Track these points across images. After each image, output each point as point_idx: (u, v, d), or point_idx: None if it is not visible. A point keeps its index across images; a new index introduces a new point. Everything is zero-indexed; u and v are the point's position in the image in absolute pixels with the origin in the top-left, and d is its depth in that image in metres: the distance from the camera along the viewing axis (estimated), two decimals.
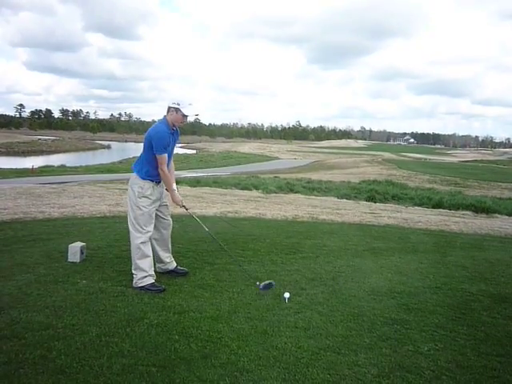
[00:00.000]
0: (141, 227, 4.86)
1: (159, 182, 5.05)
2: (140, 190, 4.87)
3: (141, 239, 4.84)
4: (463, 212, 18.11)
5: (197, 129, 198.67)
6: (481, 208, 20.29)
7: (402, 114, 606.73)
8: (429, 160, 79.91)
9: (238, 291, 4.91)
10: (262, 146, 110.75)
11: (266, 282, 5.00)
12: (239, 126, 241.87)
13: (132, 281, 4.86)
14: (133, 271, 4.88)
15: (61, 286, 4.77)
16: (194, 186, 20.87)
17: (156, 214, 5.09)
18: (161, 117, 5.01)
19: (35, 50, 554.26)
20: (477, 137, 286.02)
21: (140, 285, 4.78)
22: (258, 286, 4.93)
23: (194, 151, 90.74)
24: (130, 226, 4.91)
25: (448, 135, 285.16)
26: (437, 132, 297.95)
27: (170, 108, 4.88)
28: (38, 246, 6.37)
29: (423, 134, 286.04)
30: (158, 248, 5.25)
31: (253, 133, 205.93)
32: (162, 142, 4.85)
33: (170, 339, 3.69)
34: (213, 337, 3.77)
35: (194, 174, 31.55)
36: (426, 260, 6.84)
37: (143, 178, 4.91)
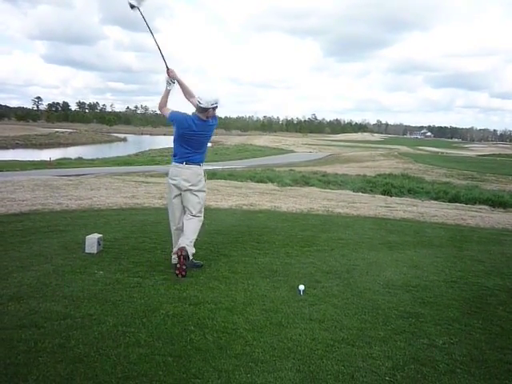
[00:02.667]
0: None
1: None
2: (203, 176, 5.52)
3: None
4: (480, 206, 17.94)
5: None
6: (498, 202, 20.09)
7: (418, 108, 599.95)
8: (446, 154, 79.05)
9: (253, 283, 4.94)
10: (278, 139, 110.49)
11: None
12: (254, 118, 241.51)
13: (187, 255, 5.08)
14: (191, 245, 5.20)
15: (78, 277, 4.84)
16: (210, 179, 20.87)
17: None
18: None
19: (53, 42, 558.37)
20: (495, 131, 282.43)
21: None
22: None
23: (210, 144, 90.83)
24: (199, 214, 5.41)
25: (466, 129, 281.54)
26: (454, 126, 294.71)
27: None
28: (55, 237, 6.46)
29: (440, 127, 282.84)
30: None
31: (268, 126, 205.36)
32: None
33: (185, 330, 3.73)
34: (228, 328, 3.80)
35: (210, 167, 31.55)
36: (442, 254, 6.80)
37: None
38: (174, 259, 5.18)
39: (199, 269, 5.35)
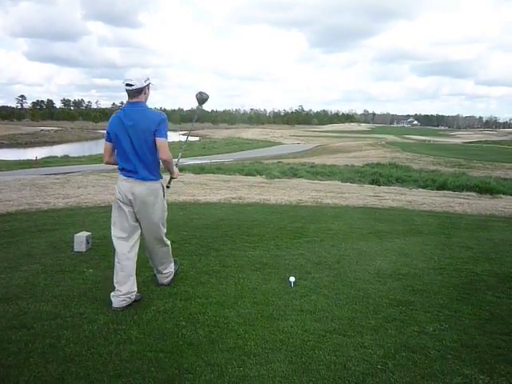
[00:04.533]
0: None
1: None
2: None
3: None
4: (467, 193, 18.07)
5: (199, 116, 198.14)
6: (485, 189, 20.21)
7: (405, 96, 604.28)
8: (433, 142, 79.51)
9: (243, 277, 4.94)
10: (265, 132, 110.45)
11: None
12: (242, 111, 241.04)
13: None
14: (168, 270, 4.61)
15: (68, 276, 4.81)
16: (198, 173, 20.88)
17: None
18: (153, 104, 4.34)
19: (36, 40, 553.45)
20: (481, 118, 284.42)
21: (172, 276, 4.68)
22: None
23: (197, 138, 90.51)
24: (160, 235, 4.36)
25: (452, 117, 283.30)
26: (441, 114, 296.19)
27: (145, 87, 4.04)
28: (43, 237, 6.41)
29: (427, 115, 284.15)
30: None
31: (255, 118, 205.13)
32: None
33: (177, 325, 3.73)
34: (219, 322, 3.80)
35: (198, 161, 31.49)
36: (431, 241, 6.85)
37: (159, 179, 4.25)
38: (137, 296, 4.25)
39: (189, 264, 5.33)
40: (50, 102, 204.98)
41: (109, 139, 4.11)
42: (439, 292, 4.66)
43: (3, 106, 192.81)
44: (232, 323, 3.78)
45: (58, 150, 54.73)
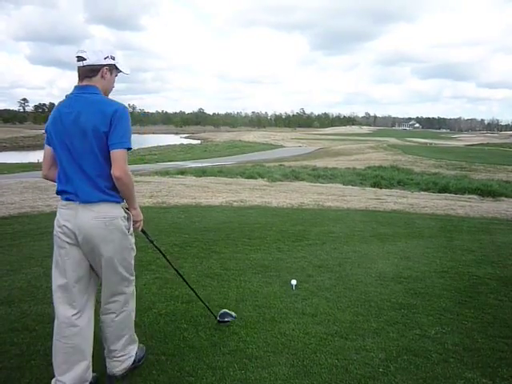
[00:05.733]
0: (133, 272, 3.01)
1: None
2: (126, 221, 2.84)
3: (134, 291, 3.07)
4: (469, 196, 18.06)
5: (200, 119, 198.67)
6: (487, 191, 20.20)
7: (406, 99, 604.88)
8: (434, 144, 79.40)
9: (245, 280, 4.94)
10: (267, 135, 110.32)
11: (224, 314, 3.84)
12: (243, 114, 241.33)
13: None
14: (125, 352, 3.00)
15: None
16: (200, 176, 20.87)
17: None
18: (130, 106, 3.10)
19: (38, 43, 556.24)
20: (482, 120, 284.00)
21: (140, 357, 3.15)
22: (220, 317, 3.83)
23: (199, 141, 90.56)
24: (119, 291, 2.91)
25: (453, 119, 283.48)
26: (442, 116, 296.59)
27: (103, 67, 2.74)
28: (45, 240, 6.41)
29: (428, 118, 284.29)
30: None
31: (257, 121, 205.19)
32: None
33: (178, 328, 3.73)
34: (221, 325, 3.80)
35: (199, 164, 31.50)
36: (433, 245, 6.84)
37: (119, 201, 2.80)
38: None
39: (191, 266, 5.32)
40: (52, 105, 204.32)
41: (47, 141, 2.80)
42: (441, 295, 4.65)
43: (5, 110, 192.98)
44: (233, 326, 3.77)
45: None
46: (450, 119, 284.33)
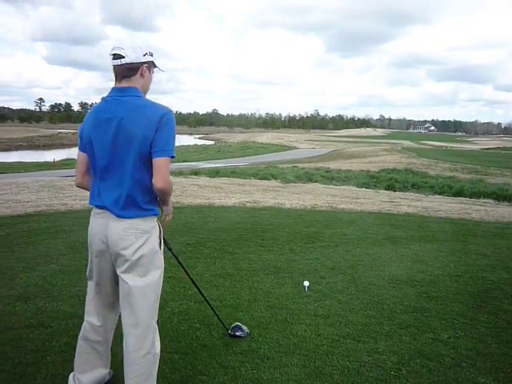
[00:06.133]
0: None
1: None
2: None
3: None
4: (485, 200, 17.90)
5: (214, 120, 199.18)
6: (503, 196, 20.04)
7: (422, 102, 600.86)
8: (449, 148, 78.75)
9: (257, 280, 4.96)
10: (280, 136, 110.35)
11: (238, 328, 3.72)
12: (257, 116, 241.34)
13: None
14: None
15: (84, 276, 4.81)
16: (213, 177, 20.96)
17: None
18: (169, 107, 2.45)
19: (55, 44, 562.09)
20: (499, 124, 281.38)
21: None
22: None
23: (212, 142, 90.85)
24: (145, 321, 2.54)
25: (470, 122, 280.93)
26: (458, 119, 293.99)
27: (143, 65, 2.46)
28: (61, 238, 6.49)
29: (444, 121, 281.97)
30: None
31: (270, 123, 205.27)
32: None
33: (191, 327, 3.76)
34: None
35: (213, 165, 31.63)
36: (447, 248, 6.80)
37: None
38: None
39: (204, 266, 5.35)
40: (68, 105, 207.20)
41: (82, 147, 2.58)
42: (455, 299, 4.62)
43: (22, 109, 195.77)
44: (246, 326, 3.79)
45: (75, 153, 54.79)
46: (466, 122, 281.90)
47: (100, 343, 2.68)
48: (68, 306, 4.06)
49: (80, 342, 2.70)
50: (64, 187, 12.68)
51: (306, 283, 4.74)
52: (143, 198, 2.44)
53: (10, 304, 4.05)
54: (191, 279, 3.40)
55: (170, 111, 2.42)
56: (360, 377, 3.09)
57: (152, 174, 2.38)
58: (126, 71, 2.41)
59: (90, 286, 2.71)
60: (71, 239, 6.39)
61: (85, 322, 2.69)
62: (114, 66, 2.41)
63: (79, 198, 10.26)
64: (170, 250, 3.07)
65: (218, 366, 3.16)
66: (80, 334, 2.71)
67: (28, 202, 9.56)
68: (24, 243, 6.13)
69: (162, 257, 2.61)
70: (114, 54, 2.40)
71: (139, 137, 2.33)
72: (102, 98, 2.48)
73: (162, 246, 2.60)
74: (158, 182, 2.36)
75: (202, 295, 3.59)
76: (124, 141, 2.35)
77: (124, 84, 2.43)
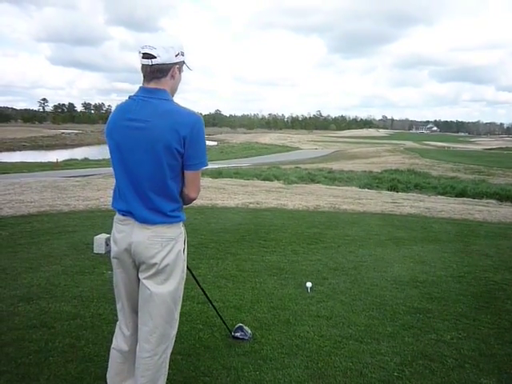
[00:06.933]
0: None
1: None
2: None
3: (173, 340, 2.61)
4: (487, 200, 17.85)
5: (217, 120, 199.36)
6: (506, 196, 20.00)
7: (424, 102, 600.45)
8: (452, 148, 78.64)
9: (260, 281, 4.96)
10: (283, 137, 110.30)
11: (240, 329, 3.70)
12: (260, 116, 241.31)
13: None
14: None
15: (87, 277, 4.88)
16: (216, 178, 20.95)
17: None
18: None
19: (58, 44, 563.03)
20: (502, 124, 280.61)
21: None
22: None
23: (215, 143, 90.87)
24: (165, 330, 2.47)
25: (472, 123, 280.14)
26: (460, 120, 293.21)
27: (174, 66, 2.31)
28: (64, 238, 6.50)
29: (446, 121, 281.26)
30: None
31: (273, 123, 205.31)
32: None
33: (194, 328, 3.76)
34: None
35: (216, 166, 31.62)
36: (449, 249, 6.79)
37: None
38: None
39: (207, 267, 5.35)
40: (71, 105, 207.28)
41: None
42: (457, 300, 4.62)
43: (26, 109, 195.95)
44: (248, 327, 3.79)
45: (78, 153, 55.25)
46: (469, 123, 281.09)
47: (131, 353, 2.56)
48: (71, 307, 4.07)
49: (113, 352, 2.61)
50: (67, 188, 12.70)
51: (309, 284, 4.73)
52: (170, 207, 2.35)
53: (12, 304, 4.06)
54: (196, 281, 3.39)
55: (200, 117, 2.30)
56: (363, 378, 3.09)
57: (177, 182, 2.34)
58: (157, 72, 2.26)
59: (116, 294, 2.61)
60: (74, 240, 6.40)
61: (117, 331, 2.63)
62: (144, 65, 2.26)
63: (82, 199, 10.29)
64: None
65: (221, 368, 3.16)
66: (112, 343, 2.63)
67: (31, 202, 9.58)
68: (27, 244, 6.14)
69: (185, 264, 2.55)
70: (144, 53, 2.23)
71: (165, 143, 2.20)
72: (129, 97, 2.35)
73: (186, 252, 2.54)
74: (192, 193, 2.38)
75: (207, 297, 3.60)
76: (148, 146, 2.23)
77: (152, 85, 2.28)
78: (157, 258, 2.33)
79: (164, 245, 2.34)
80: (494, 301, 4.65)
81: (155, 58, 2.21)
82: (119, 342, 2.59)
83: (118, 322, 2.64)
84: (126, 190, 2.34)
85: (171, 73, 2.30)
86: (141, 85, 2.33)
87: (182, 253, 2.45)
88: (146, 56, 2.22)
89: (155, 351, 2.44)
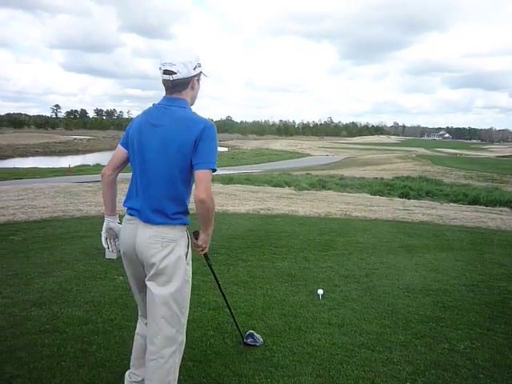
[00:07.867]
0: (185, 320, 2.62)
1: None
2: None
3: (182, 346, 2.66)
4: (501, 208, 17.67)
5: (228, 126, 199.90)
6: None
7: (436, 109, 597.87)
8: (464, 155, 78.09)
9: (271, 288, 4.95)
10: (294, 143, 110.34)
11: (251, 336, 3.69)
12: (271, 123, 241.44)
13: None
14: None
15: (99, 282, 4.90)
16: (227, 184, 20.98)
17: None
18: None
19: (71, 51, 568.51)
20: None
21: None
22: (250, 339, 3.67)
23: (226, 149, 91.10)
24: (167, 326, 2.48)
25: (485, 130, 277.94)
26: (473, 127, 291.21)
27: (193, 78, 2.50)
28: (76, 243, 6.55)
29: (459, 128, 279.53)
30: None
31: (284, 130, 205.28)
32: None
33: (205, 334, 3.75)
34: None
35: (227, 172, 31.66)
36: (462, 257, 6.73)
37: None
38: None
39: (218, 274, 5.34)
40: (84, 111, 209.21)
41: (125, 143, 2.60)
42: (471, 309, 4.57)
43: (38, 115, 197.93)
44: (260, 334, 3.78)
45: (90, 159, 55.64)
46: (482, 130, 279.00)
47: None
48: (83, 312, 4.08)
49: (136, 337, 2.77)
50: (79, 193, 12.80)
51: (320, 291, 4.71)
52: (174, 210, 2.44)
53: (25, 309, 4.09)
54: (219, 285, 3.41)
55: (212, 124, 2.43)
56: None
57: (187, 185, 2.47)
58: (177, 86, 2.44)
59: (132, 288, 2.74)
60: (86, 245, 6.44)
61: (139, 318, 2.77)
62: (165, 80, 2.43)
63: (94, 204, 10.35)
64: (209, 266, 3.07)
65: (232, 374, 3.15)
66: (136, 329, 2.79)
67: (44, 207, 9.67)
68: (40, 249, 6.19)
69: (190, 268, 2.57)
70: (165, 70, 2.40)
71: (177, 146, 2.36)
72: (153, 104, 2.54)
73: (190, 256, 2.57)
74: (200, 193, 2.35)
75: (226, 302, 3.56)
76: (163, 148, 2.38)
77: (175, 96, 2.47)
78: (156, 258, 2.42)
79: (164, 245, 2.43)
80: (509, 310, 4.59)
81: (175, 73, 2.39)
82: (141, 328, 2.74)
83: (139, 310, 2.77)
84: (140, 189, 2.49)
85: (191, 85, 2.49)
86: (164, 95, 2.50)
87: (184, 256, 2.50)
88: (167, 72, 2.40)
89: (160, 354, 2.48)
